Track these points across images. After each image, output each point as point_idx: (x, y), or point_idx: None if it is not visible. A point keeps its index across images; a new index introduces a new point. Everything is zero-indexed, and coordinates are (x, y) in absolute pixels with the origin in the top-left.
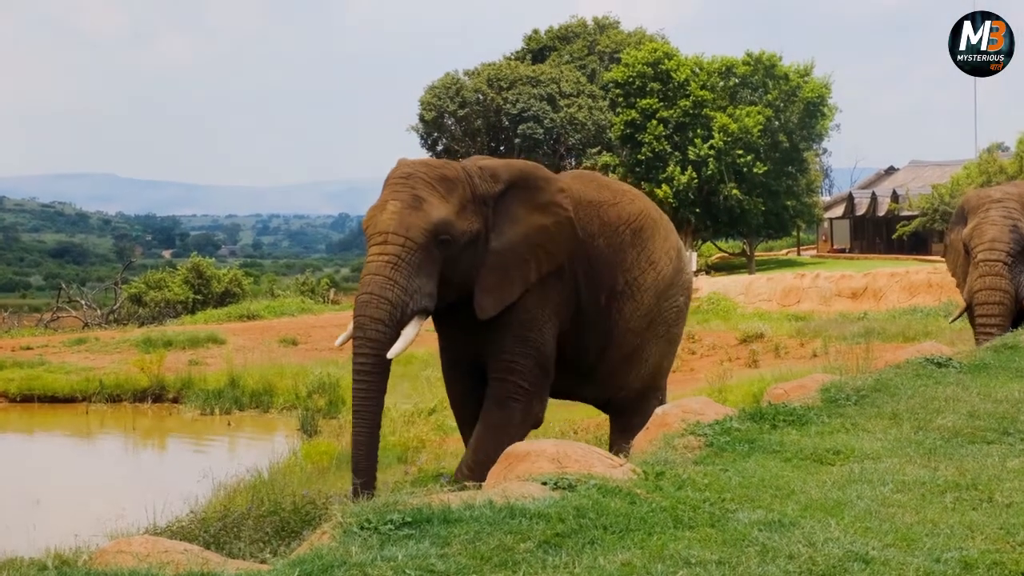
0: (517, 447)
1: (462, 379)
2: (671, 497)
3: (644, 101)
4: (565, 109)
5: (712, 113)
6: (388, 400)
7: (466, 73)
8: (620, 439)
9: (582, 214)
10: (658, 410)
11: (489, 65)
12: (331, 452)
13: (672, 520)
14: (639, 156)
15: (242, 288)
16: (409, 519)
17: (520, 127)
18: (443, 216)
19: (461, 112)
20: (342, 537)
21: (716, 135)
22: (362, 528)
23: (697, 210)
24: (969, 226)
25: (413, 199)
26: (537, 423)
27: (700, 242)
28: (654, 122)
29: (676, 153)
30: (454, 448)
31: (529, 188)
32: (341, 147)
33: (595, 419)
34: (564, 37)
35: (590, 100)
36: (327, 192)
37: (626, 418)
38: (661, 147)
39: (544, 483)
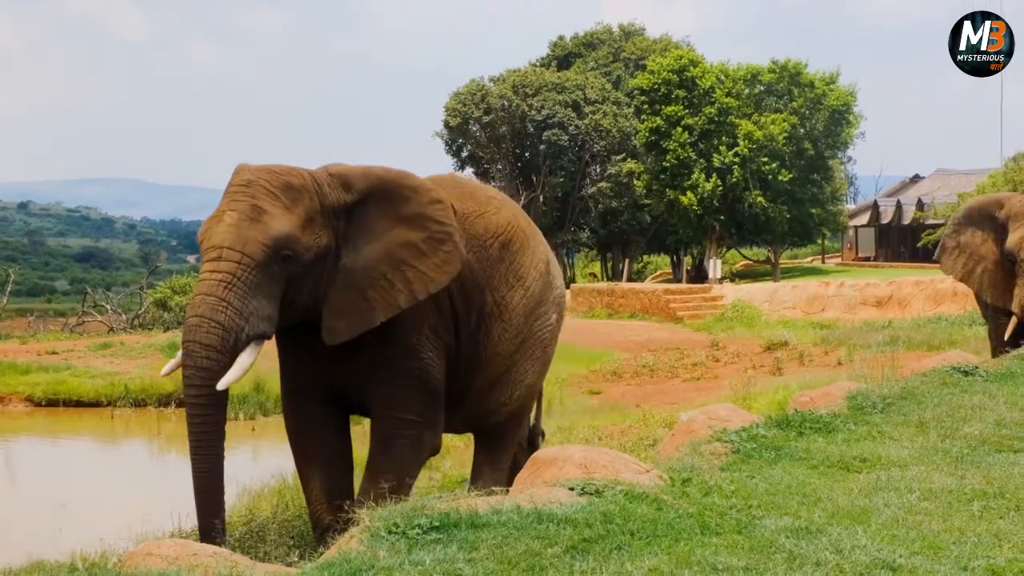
0: (544, 452)
1: (309, 407)
2: (698, 503)
3: (669, 108)
4: (590, 116)
5: (737, 120)
6: None
7: (491, 79)
8: (488, 470)
9: None
10: (683, 416)
11: (514, 71)
12: (358, 458)
13: (699, 526)
14: (664, 163)
15: None
16: (436, 523)
17: (545, 134)
18: (285, 230)
19: (486, 118)
20: (370, 541)
21: (741, 142)
22: (390, 532)
23: (722, 217)
24: (1017, 235)
25: (252, 210)
26: (434, 451)
27: (725, 249)
28: (679, 129)
29: (701, 160)
30: None
31: (391, 199)
32: (366, 153)
33: (620, 425)
34: (589, 44)
35: (615, 107)
36: None
37: (494, 445)
38: (686, 154)
39: (571, 488)
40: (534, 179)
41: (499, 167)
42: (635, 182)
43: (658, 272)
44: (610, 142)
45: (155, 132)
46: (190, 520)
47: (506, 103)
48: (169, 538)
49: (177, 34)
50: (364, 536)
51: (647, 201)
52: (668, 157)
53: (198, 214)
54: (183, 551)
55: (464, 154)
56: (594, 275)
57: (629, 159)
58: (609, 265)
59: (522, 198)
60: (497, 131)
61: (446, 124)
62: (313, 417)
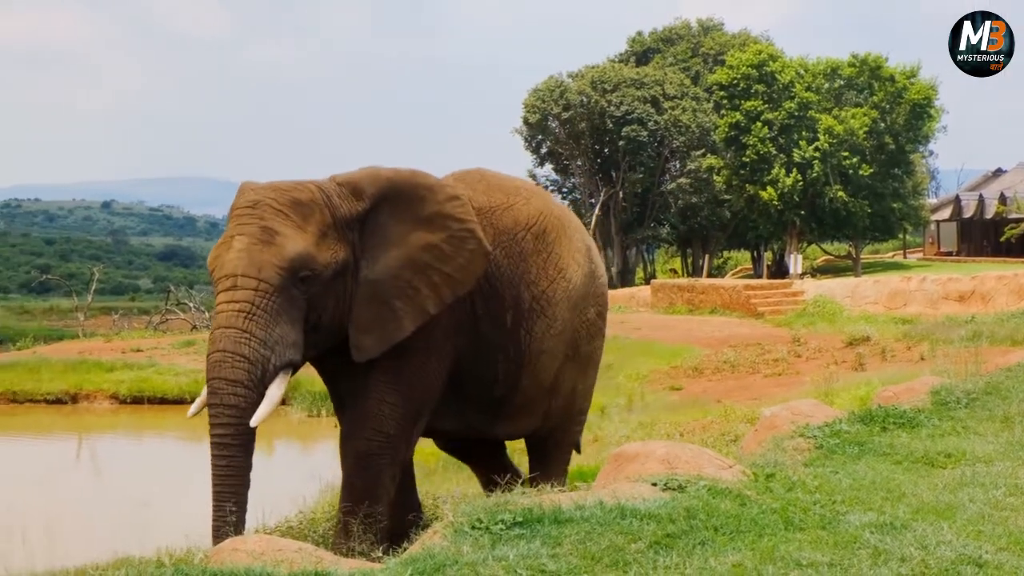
0: (627, 448)
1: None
2: (781, 499)
3: (749, 103)
4: (669, 111)
5: (817, 115)
6: None
7: (570, 75)
8: (543, 481)
9: None
10: (766, 412)
11: (593, 67)
12: (438, 453)
13: (783, 521)
14: (744, 158)
15: None
16: (520, 519)
17: (624, 129)
18: (300, 249)
19: (565, 115)
20: (453, 536)
21: (821, 137)
22: (473, 528)
23: (802, 212)
24: None
25: (263, 232)
26: (407, 460)
27: (805, 245)
28: (759, 124)
29: (781, 155)
30: None
31: (405, 201)
32: (445, 150)
33: (701, 421)
34: (668, 39)
35: (694, 102)
36: None
37: (546, 456)
38: (766, 149)
39: (654, 484)
40: (613, 175)
41: (578, 163)
42: (715, 177)
43: (738, 268)
44: (689, 137)
45: (235, 131)
46: (274, 515)
47: (585, 99)
48: (254, 534)
49: (252, 31)
50: (448, 531)
51: (727, 196)
52: (748, 152)
53: None
54: (268, 546)
55: (543, 151)
56: (674, 271)
57: (709, 154)
58: (689, 261)
59: (601, 194)
60: (576, 127)
61: (525, 121)
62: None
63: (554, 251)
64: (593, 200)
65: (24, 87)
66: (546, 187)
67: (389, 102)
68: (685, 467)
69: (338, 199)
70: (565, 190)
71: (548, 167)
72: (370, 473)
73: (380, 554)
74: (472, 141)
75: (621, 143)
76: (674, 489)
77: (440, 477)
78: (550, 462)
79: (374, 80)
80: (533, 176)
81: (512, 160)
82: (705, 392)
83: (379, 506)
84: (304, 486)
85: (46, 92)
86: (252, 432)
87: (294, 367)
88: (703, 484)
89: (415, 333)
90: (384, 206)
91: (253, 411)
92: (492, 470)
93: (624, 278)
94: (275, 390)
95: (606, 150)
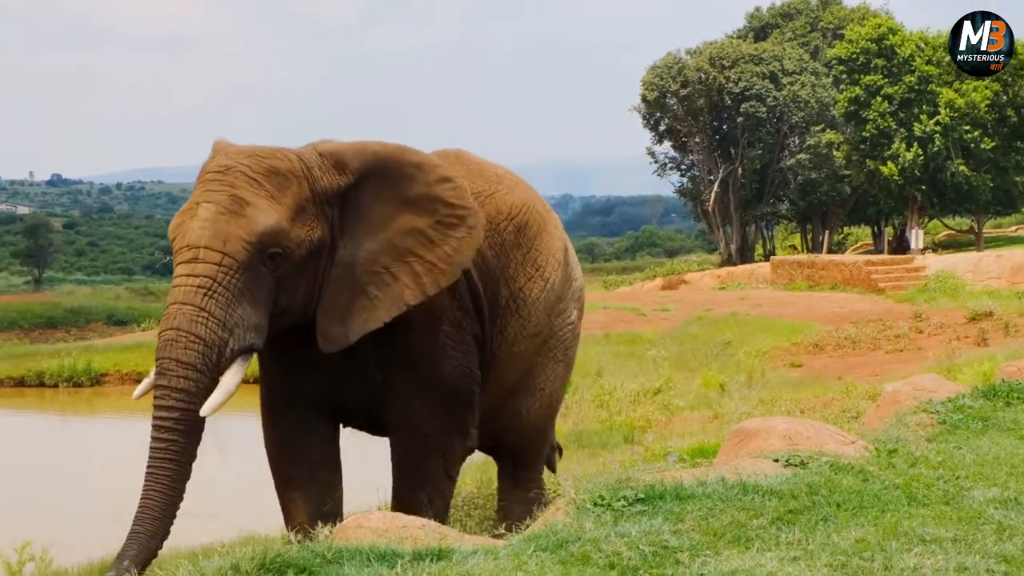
0: (748, 424)
1: (298, 421)
2: (904, 474)
3: (868, 77)
4: (788, 87)
5: (938, 88)
6: (614, 380)
7: (688, 52)
8: (516, 496)
9: None
10: (888, 388)
11: (711, 44)
12: (558, 433)
13: (906, 497)
14: (863, 133)
15: None
16: (642, 496)
17: (742, 106)
18: (272, 223)
19: (683, 92)
20: (576, 513)
21: (942, 111)
22: (595, 505)
23: (923, 187)
24: None
25: (232, 201)
26: (468, 453)
27: (926, 220)
28: (878, 99)
29: (901, 130)
30: (680, 428)
31: (391, 179)
32: (565, 128)
33: (822, 397)
34: (786, 14)
35: (813, 77)
36: (549, 173)
37: (518, 465)
38: (886, 124)
39: (776, 460)
40: (732, 152)
41: (697, 140)
42: (834, 153)
43: (859, 243)
44: (808, 113)
45: (356, 115)
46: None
47: (703, 76)
48: (378, 511)
49: (376, 17)
50: (570, 508)
51: (847, 172)
52: (868, 127)
53: None
54: (392, 523)
55: (662, 128)
56: (794, 247)
57: (828, 130)
58: (809, 237)
59: (720, 171)
60: (695, 104)
61: (643, 99)
62: (303, 433)
63: (534, 246)
64: (712, 177)
65: (149, 71)
66: (664, 164)
67: (505, 84)
68: (807, 443)
69: (319, 171)
70: (684, 167)
71: (667, 144)
72: (421, 479)
73: (503, 530)
74: (592, 117)
75: (740, 119)
76: (796, 465)
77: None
78: (523, 474)
79: (492, 57)
80: (652, 154)
81: (630, 138)
82: (826, 368)
83: (440, 505)
84: None
85: (170, 76)
86: (200, 421)
87: (255, 352)
88: (825, 460)
89: (419, 332)
90: (368, 183)
91: (204, 397)
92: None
93: (743, 255)
94: (230, 377)
95: (725, 127)
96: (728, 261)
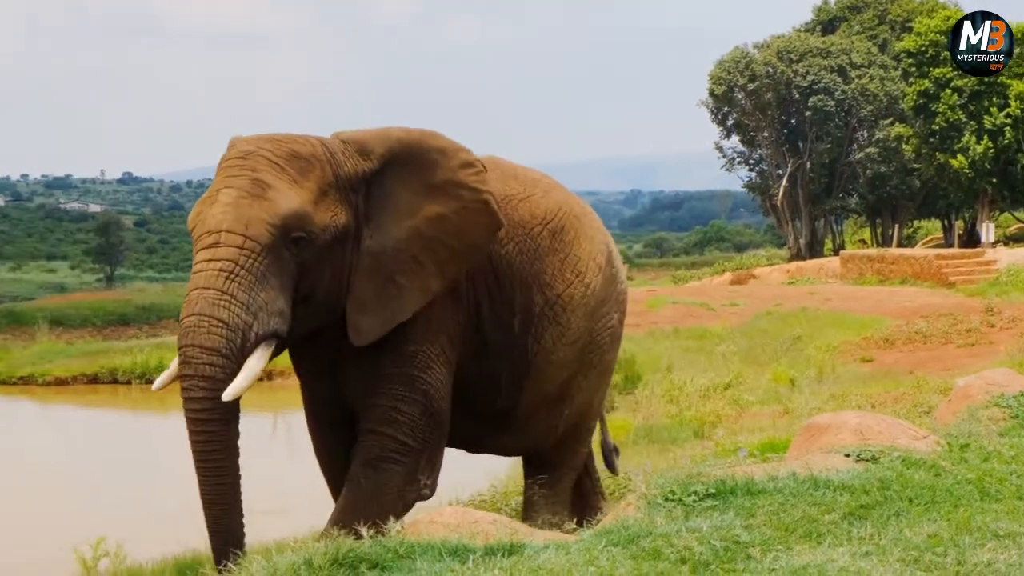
0: (819, 419)
1: (335, 431)
2: (977, 469)
3: (937, 70)
4: (856, 80)
5: (1008, 80)
6: (684, 375)
7: (755, 46)
8: (544, 504)
9: None
10: (959, 382)
11: (779, 37)
12: (627, 427)
13: (978, 492)
14: (933, 126)
15: None
16: (713, 491)
17: (811, 99)
18: (295, 206)
19: (751, 86)
20: (647, 508)
21: (1013, 103)
22: (666, 499)
23: (993, 180)
24: None
25: (254, 185)
26: (428, 494)
27: (997, 213)
28: (948, 91)
29: (971, 123)
30: (750, 423)
31: (415, 165)
32: (632, 123)
33: (893, 392)
34: (854, 7)
35: (881, 70)
36: (618, 168)
37: (549, 473)
38: (955, 117)
39: (847, 455)
40: (800, 146)
41: (765, 135)
42: (903, 146)
43: (929, 237)
44: (877, 106)
45: (418, 111)
46: (467, 489)
47: (771, 70)
48: (449, 506)
49: (443, 11)
50: (641, 503)
51: (916, 165)
52: (937, 120)
53: None
54: (464, 518)
55: (729, 122)
56: (863, 241)
57: (897, 123)
58: (878, 231)
59: (788, 165)
60: (762, 98)
61: (711, 92)
62: (343, 438)
63: (572, 251)
64: (780, 171)
65: (215, 68)
66: (733, 159)
67: (570, 79)
68: (878, 438)
69: (342, 156)
70: (752, 161)
71: (734, 139)
72: (379, 475)
73: (573, 525)
74: (659, 112)
75: (808, 113)
76: (867, 460)
77: (631, 450)
78: (553, 483)
79: (558, 52)
80: (720, 148)
81: (698, 133)
82: (896, 363)
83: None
84: (496, 461)
85: (239, 74)
86: (234, 404)
87: (279, 339)
88: (897, 455)
89: (421, 337)
90: (392, 169)
91: (229, 384)
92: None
93: (812, 249)
94: (255, 362)
95: (793, 120)
96: (797, 256)
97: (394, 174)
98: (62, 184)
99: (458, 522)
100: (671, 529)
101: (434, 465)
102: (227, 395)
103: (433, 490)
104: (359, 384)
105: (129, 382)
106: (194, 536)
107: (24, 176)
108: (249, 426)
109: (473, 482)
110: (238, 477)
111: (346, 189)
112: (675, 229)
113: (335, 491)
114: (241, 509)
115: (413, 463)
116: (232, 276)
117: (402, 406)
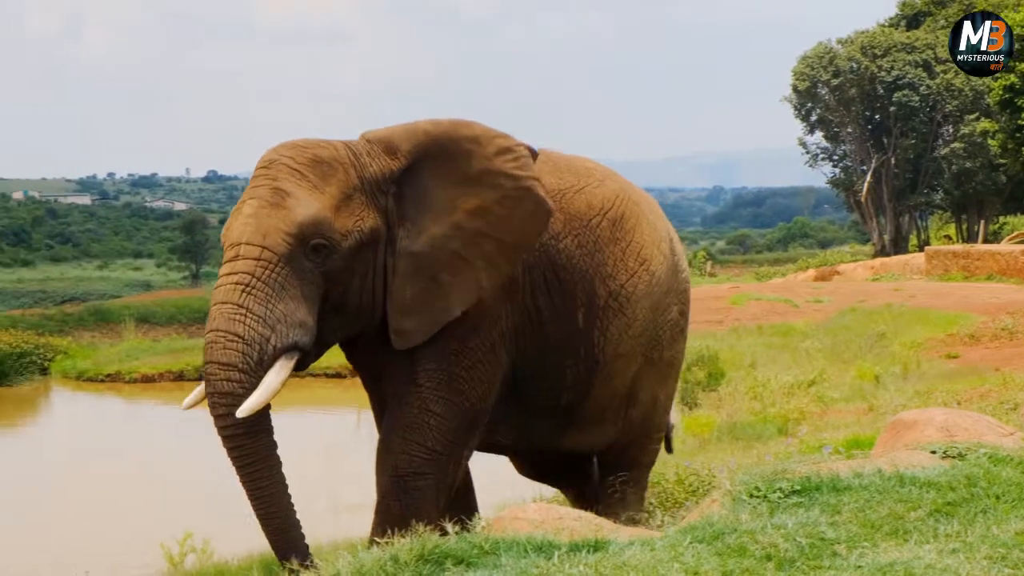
0: (905, 416)
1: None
2: None
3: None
4: (941, 75)
5: None
6: (767, 371)
7: (839, 42)
8: (620, 500)
9: None
10: None
11: (863, 33)
12: (711, 424)
13: None
14: (1019, 121)
15: None
16: (798, 487)
17: (895, 95)
18: (312, 213)
19: (835, 81)
20: (732, 505)
21: None
22: (751, 496)
23: None
24: None
25: (273, 194)
26: (452, 489)
27: None
28: None
29: None
30: (834, 420)
31: (448, 157)
32: (715, 119)
33: (979, 389)
34: (939, 2)
35: None
36: (701, 165)
37: (625, 470)
38: None
39: (933, 452)
40: (885, 141)
41: (849, 130)
42: (989, 142)
43: (1015, 233)
44: (963, 101)
45: (502, 106)
46: (546, 487)
47: (855, 65)
48: (534, 502)
49: (520, 6)
50: (726, 500)
51: (1002, 160)
52: (1023, 115)
53: None
54: (548, 515)
55: (813, 118)
56: (949, 237)
57: (983, 118)
58: (964, 227)
59: (873, 161)
60: (847, 94)
61: (794, 88)
62: None
63: (634, 239)
64: (864, 167)
65: (301, 68)
66: (816, 155)
67: (652, 76)
68: (964, 434)
69: (368, 158)
70: (836, 157)
71: (818, 135)
72: (410, 496)
73: (660, 522)
74: (742, 108)
75: (892, 109)
76: (954, 457)
77: (714, 447)
78: (628, 481)
79: (640, 50)
80: (803, 144)
81: (781, 129)
82: (983, 360)
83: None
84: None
85: (322, 73)
86: (260, 417)
87: (301, 351)
88: (984, 451)
89: (470, 333)
90: (423, 165)
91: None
92: (586, 494)
93: (897, 246)
94: (273, 377)
95: (877, 116)
96: (882, 252)
97: (426, 170)
98: (148, 183)
99: (543, 518)
100: (756, 526)
101: (460, 462)
102: (241, 412)
103: (457, 482)
104: (394, 382)
105: None
106: None
107: (111, 175)
108: (334, 423)
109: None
110: (282, 484)
111: (373, 191)
112: (758, 226)
113: None
114: (294, 514)
115: (443, 470)
116: (248, 289)
117: (434, 407)
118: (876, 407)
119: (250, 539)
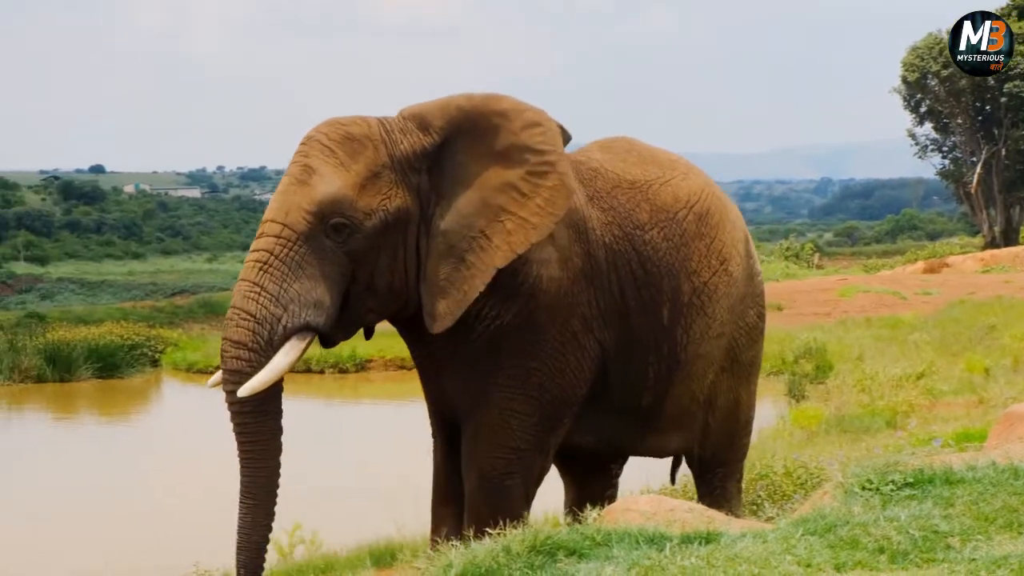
0: (1018, 408)
1: (452, 435)
2: None
3: None
4: None
5: None
6: (876, 364)
7: (949, 32)
8: (719, 499)
9: (623, 199)
10: None
11: None
12: (819, 417)
13: None
14: None
15: None
16: (910, 480)
17: (1006, 86)
18: (333, 190)
19: (945, 72)
20: (844, 497)
21: None
22: (863, 488)
23: None
24: None
25: (302, 171)
26: (546, 472)
27: None
28: None
29: None
30: (944, 413)
31: (478, 132)
32: (822, 111)
33: None
34: None
35: None
36: (809, 156)
37: (715, 482)
38: None
39: None
40: (996, 132)
41: (959, 122)
42: None
43: None
44: None
45: (615, 99)
46: (657, 478)
47: None
48: (644, 494)
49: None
50: (838, 492)
51: None
52: None
53: None
54: (660, 506)
55: (922, 109)
56: None
57: None
58: None
59: (983, 152)
60: (956, 85)
61: (903, 79)
62: (446, 454)
63: (718, 237)
64: (974, 158)
65: (409, 61)
66: (925, 146)
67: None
68: None
69: (400, 134)
70: (945, 149)
71: (927, 126)
72: (500, 498)
73: (772, 514)
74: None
75: (1003, 100)
76: None
77: (822, 439)
78: (722, 489)
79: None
80: (912, 135)
81: (890, 120)
82: None
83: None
84: None
85: (430, 65)
86: (269, 397)
87: (316, 332)
88: None
89: (547, 322)
90: (457, 140)
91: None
92: (595, 494)
93: (1007, 238)
94: (281, 358)
95: (988, 107)
96: (992, 244)
97: (460, 145)
98: (257, 176)
99: (654, 510)
100: (869, 518)
101: (548, 455)
102: (243, 390)
103: (547, 471)
104: (469, 377)
105: (322, 371)
106: (387, 525)
107: (220, 168)
108: (416, 415)
109: (663, 469)
110: (273, 473)
111: (404, 169)
112: (866, 218)
113: (437, 494)
114: (271, 509)
115: (529, 466)
116: (265, 267)
117: (515, 405)
118: (986, 400)
119: (359, 531)
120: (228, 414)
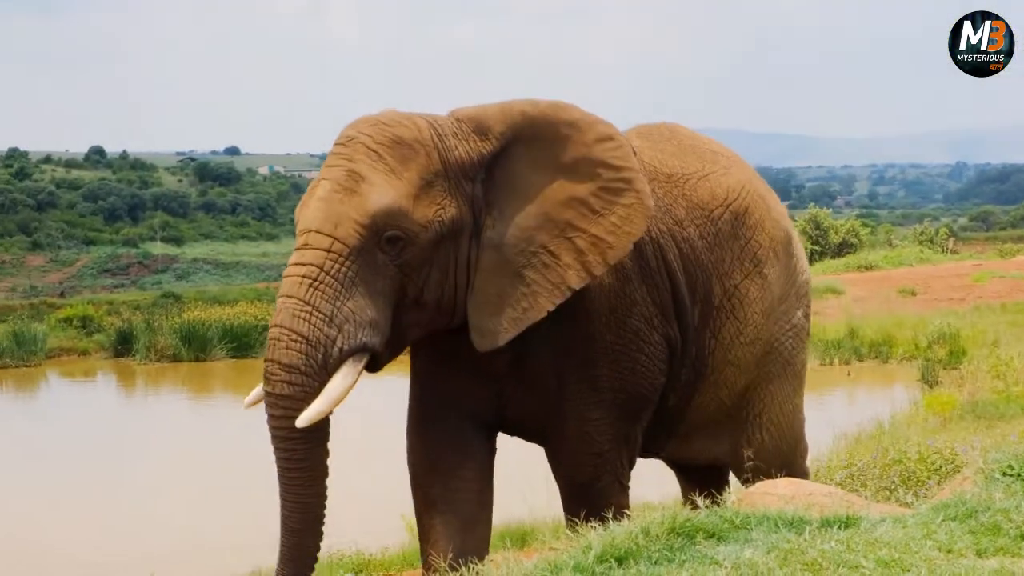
0: None
1: (449, 441)
2: None
3: None
4: None
5: None
6: (1011, 350)
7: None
8: None
9: (659, 192)
10: None
11: None
12: (952, 403)
13: None
14: None
15: (859, 238)
16: None
17: None
18: (388, 201)
19: None
20: (984, 483)
21: None
22: (1004, 474)
23: None
24: None
25: (348, 177)
26: (634, 462)
27: None
28: None
29: None
30: None
31: (542, 141)
32: (958, 93)
33: None
34: None
35: None
36: (944, 141)
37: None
38: None
39: None
40: None
41: None
42: None
43: None
44: None
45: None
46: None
47: None
48: (784, 478)
49: None
50: (978, 478)
51: None
52: None
53: (788, 161)
54: (799, 490)
55: None
56: None
57: None
58: None
59: None
60: None
61: None
62: (455, 449)
63: (754, 238)
64: None
65: (537, 41)
66: None
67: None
68: None
69: (454, 139)
70: None
71: None
72: (592, 500)
73: (912, 498)
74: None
75: None
76: None
77: (956, 425)
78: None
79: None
80: None
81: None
82: None
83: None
84: (818, 434)
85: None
86: (320, 423)
87: (371, 353)
88: None
89: (604, 328)
90: (517, 149)
91: (310, 403)
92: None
93: None
94: (339, 381)
95: None
96: None
97: (519, 154)
98: None
99: (793, 494)
100: (1010, 504)
101: (634, 444)
102: (301, 421)
103: (636, 456)
104: (547, 393)
105: None
106: (520, 507)
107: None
108: None
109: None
110: (321, 499)
111: (458, 177)
112: (1002, 202)
113: (423, 504)
114: (320, 533)
115: (615, 460)
116: (316, 284)
117: (590, 414)
118: None
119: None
120: (272, 436)
